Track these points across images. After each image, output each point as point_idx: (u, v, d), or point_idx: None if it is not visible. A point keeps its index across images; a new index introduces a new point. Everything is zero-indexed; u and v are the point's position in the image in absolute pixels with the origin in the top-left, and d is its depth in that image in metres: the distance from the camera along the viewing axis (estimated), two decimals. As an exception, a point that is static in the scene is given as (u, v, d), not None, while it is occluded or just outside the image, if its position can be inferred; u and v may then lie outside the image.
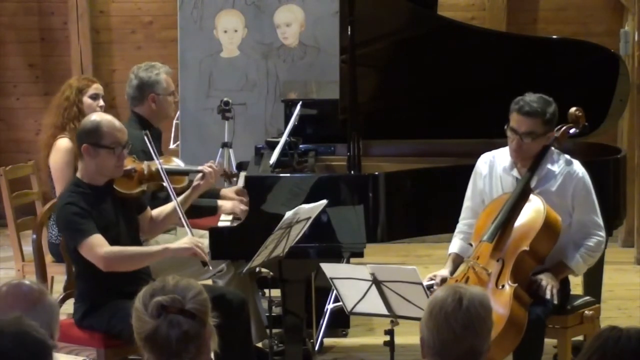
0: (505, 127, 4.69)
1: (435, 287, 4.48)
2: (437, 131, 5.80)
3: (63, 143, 5.57)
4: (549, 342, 5.11)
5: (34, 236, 5.00)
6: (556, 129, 4.81)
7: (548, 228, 4.55)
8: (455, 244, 4.85)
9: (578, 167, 4.76)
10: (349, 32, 5.21)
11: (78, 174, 4.63)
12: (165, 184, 4.70)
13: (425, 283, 4.28)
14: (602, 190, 5.28)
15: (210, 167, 4.89)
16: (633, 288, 7.02)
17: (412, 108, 5.87)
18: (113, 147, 4.51)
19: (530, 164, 4.72)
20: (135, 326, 2.70)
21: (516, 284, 4.44)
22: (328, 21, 7.67)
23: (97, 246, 4.43)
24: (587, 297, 4.99)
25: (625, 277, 7.37)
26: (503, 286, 4.45)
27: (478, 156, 4.92)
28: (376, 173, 5.06)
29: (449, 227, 4.97)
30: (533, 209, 4.60)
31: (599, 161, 5.46)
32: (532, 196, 4.65)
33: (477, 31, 6.12)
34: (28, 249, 5.33)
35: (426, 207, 5.19)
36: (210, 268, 4.75)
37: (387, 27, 5.70)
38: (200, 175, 4.87)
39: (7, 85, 9.25)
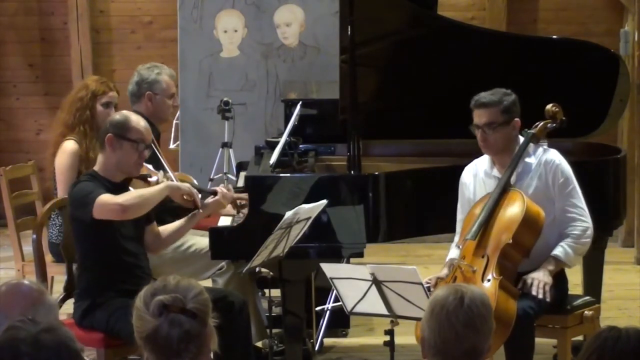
0: (470, 126, 4.73)
1: (432, 288, 4.48)
2: (437, 131, 5.80)
3: (69, 145, 5.55)
4: (549, 342, 5.11)
5: (34, 236, 5.00)
6: (534, 125, 4.83)
7: (529, 220, 4.57)
8: (453, 253, 4.86)
9: (554, 155, 4.78)
10: (349, 32, 5.21)
11: (95, 167, 4.65)
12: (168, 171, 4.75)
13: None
14: (602, 190, 5.30)
15: (224, 190, 4.89)
16: (633, 288, 7.02)
17: (412, 108, 5.86)
18: (137, 142, 4.58)
19: (509, 162, 4.73)
20: (136, 325, 2.71)
21: (501, 277, 4.46)
22: (328, 21, 7.67)
23: (111, 198, 4.50)
24: (587, 297, 4.99)
25: (625, 277, 7.37)
26: (488, 280, 4.46)
27: (477, 156, 4.93)
28: (376, 173, 5.06)
29: (449, 227, 4.98)
30: (514, 203, 4.62)
31: (599, 161, 5.47)
32: (512, 191, 4.67)
33: (477, 31, 6.13)
34: (28, 249, 5.33)
35: (426, 207, 5.19)
36: (201, 211, 4.81)
37: (387, 27, 5.70)
38: (211, 197, 4.87)
39: (7, 85, 9.26)
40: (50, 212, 5.21)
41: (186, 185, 4.78)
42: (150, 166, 4.86)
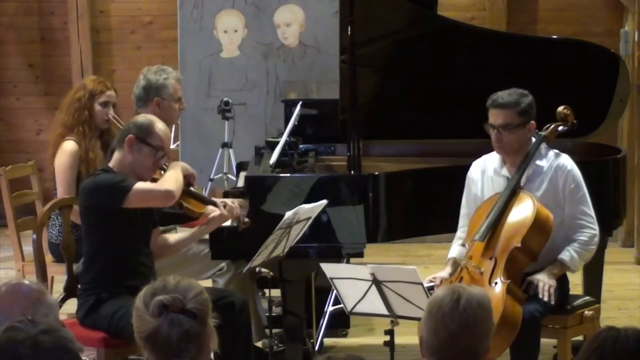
0: (485, 125, 4.72)
1: (435, 288, 4.48)
2: (437, 131, 5.80)
3: (69, 146, 5.55)
4: (549, 342, 5.11)
5: (34, 236, 5.00)
6: (545, 127, 4.83)
7: (539, 224, 4.56)
8: (454, 250, 4.86)
9: (566, 160, 4.77)
10: (349, 32, 5.21)
11: (110, 164, 4.64)
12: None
13: (425, 285, 4.27)
14: (602, 190, 5.30)
15: (228, 203, 4.86)
16: (633, 288, 7.02)
17: (412, 108, 5.87)
18: (157, 149, 4.57)
19: (519, 163, 4.73)
20: (136, 325, 2.71)
21: (509, 280, 4.45)
22: (328, 21, 7.66)
23: (157, 185, 4.54)
24: (587, 297, 4.99)
25: (625, 277, 7.37)
26: (496, 283, 4.46)
27: (478, 156, 4.93)
28: (376, 173, 5.06)
29: (449, 227, 4.98)
30: (524, 206, 4.61)
31: (599, 161, 5.47)
32: (523, 193, 4.66)
33: (477, 31, 6.12)
34: (28, 249, 5.33)
35: (426, 207, 5.19)
36: (194, 189, 4.81)
37: (387, 27, 5.70)
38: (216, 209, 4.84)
39: (7, 85, 9.26)
40: (50, 212, 5.20)
41: (188, 166, 4.82)
42: (162, 172, 4.85)
